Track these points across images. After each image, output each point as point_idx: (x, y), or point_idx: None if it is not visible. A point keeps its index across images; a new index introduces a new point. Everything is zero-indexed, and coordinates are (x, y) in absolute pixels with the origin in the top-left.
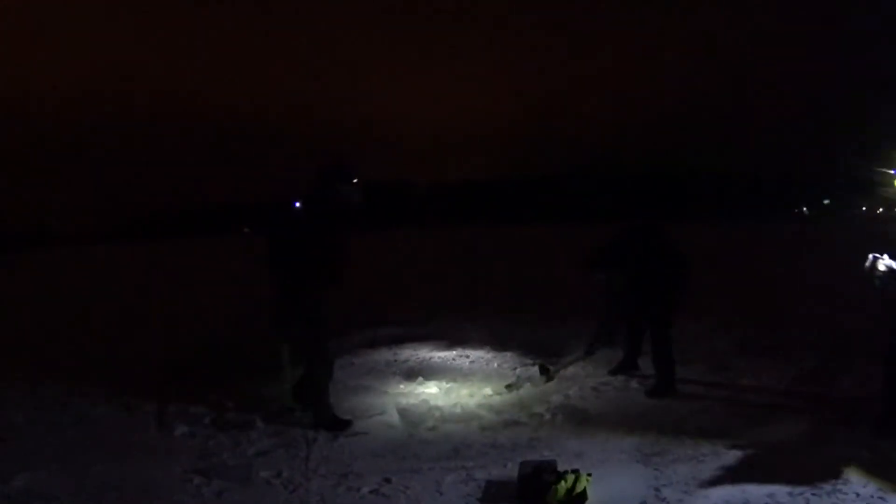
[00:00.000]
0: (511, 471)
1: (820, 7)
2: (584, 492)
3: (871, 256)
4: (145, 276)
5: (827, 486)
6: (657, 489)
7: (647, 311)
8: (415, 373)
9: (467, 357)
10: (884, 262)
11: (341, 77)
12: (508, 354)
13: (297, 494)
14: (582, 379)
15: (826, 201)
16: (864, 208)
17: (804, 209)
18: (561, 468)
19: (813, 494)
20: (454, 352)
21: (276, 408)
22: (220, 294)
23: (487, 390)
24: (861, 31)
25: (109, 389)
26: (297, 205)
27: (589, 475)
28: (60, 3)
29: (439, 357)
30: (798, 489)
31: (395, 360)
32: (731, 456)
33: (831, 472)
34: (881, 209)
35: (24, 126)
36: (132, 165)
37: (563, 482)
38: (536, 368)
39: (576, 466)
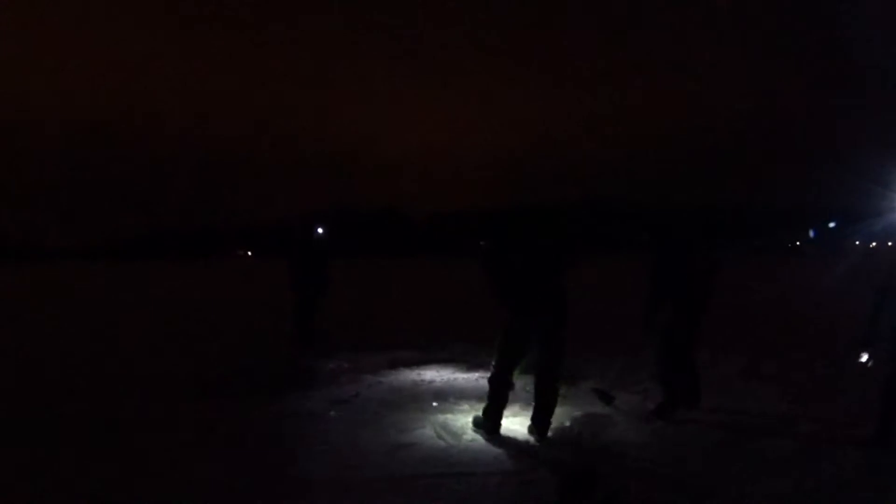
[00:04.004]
0: (551, 476)
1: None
2: (620, 492)
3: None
4: (149, 295)
5: (828, 494)
6: (682, 487)
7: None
8: (443, 393)
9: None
10: None
11: (345, 104)
12: (528, 378)
13: (352, 498)
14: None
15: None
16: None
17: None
18: None
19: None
20: (476, 374)
21: (319, 421)
22: (225, 314)
23: (516, 408)
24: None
25: (136, 405)
26: (320, 230)
27: (624, 478)
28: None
29: (463, 378)
30: (803, 493)
31: (422, 381)
32: (739, 466)
33: (832, 483)
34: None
35: (29, 146)
36: (128, 185)
37: (602, 483)
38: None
39: (610, 471)
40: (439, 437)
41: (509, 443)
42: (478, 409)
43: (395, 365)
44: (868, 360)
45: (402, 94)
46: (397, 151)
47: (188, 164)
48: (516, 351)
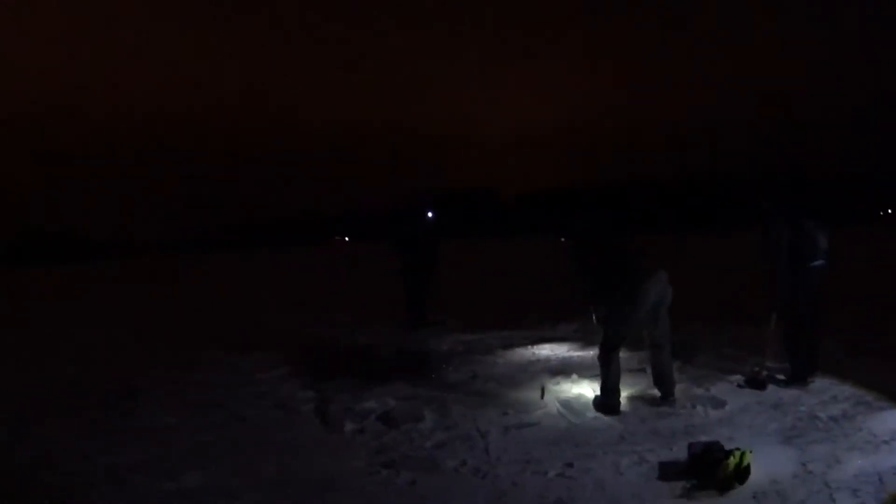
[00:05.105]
0: (677, 453)
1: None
2: (748, 466)
3: None
4: (253, 282)
5: None
6: (803, 464)
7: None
8: (560, 370)
9: None
10: None
11: (424, 86)
12: (641, 354)
13: (487, 480)
14: (719, 374)
15: None
16: None
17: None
18: None
19: None
20: (592, 351)
21: (439, 404)
22: (334, 299)
23: (636, 385)
24: None
25: (262, 390)
26: (430, 214)
27: (751, 451)
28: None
29: (578, 356)
30: None
31: (537, 360)
32: (860, 438)
33: None
34: None
35: (117, 134)
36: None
37: (731, 458)
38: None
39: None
40: (561, 416)
41: (632, 420)
42: (597, 387)
43: (509, 345)
44: None
45: (487, 77)
46: (483, 133)
47: (275, 152)
48: (624, 328)
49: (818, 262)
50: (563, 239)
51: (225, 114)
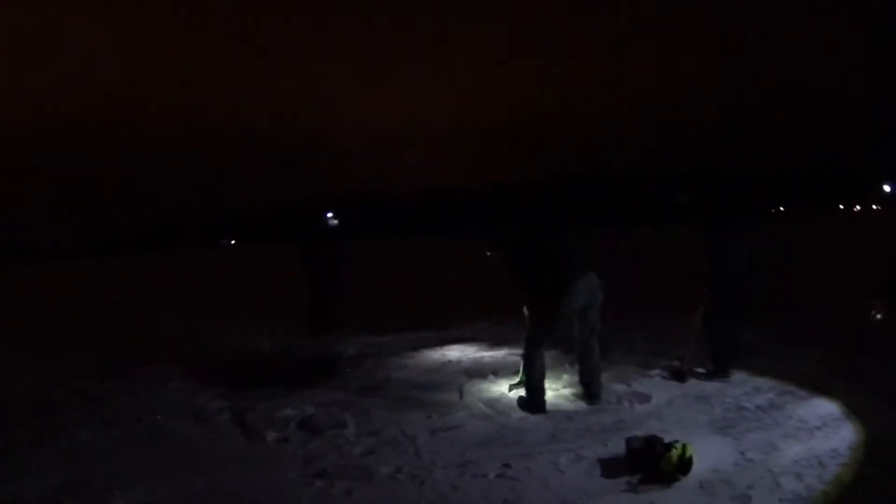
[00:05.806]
0: (613, 449)
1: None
2: (691, 458)
3: None
4: (147, 289)
5: (873, 443)
6: (742, 452)
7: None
8: (475, 371)
9: (518, 355)
10: None
11: (319, 84)
12: (554, 353)
13: (427, 486)
14: (637, 370)
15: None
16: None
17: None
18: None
19: (867, 447)
20: (502, 351)
21: (359, 408)
22: (232, 305)
23: (556, 384)
24: None
25: (176, 401)
26: (330, 216)
27: (691, 444)
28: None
29: (490, 356)
30: (854, 445)
31: (449, 361)
32: (791, 425)
33: (875, 433)
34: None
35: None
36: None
37: (673, 450)
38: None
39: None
40: (486, 417)
41: (560, 418)
42: (520, 386)
43: (418, 346)
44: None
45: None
46: (380, 129)
47: (162, 158)
48: (548, 327)
49: (738, 259)
50: (488, 253)
51: (103, 113)
